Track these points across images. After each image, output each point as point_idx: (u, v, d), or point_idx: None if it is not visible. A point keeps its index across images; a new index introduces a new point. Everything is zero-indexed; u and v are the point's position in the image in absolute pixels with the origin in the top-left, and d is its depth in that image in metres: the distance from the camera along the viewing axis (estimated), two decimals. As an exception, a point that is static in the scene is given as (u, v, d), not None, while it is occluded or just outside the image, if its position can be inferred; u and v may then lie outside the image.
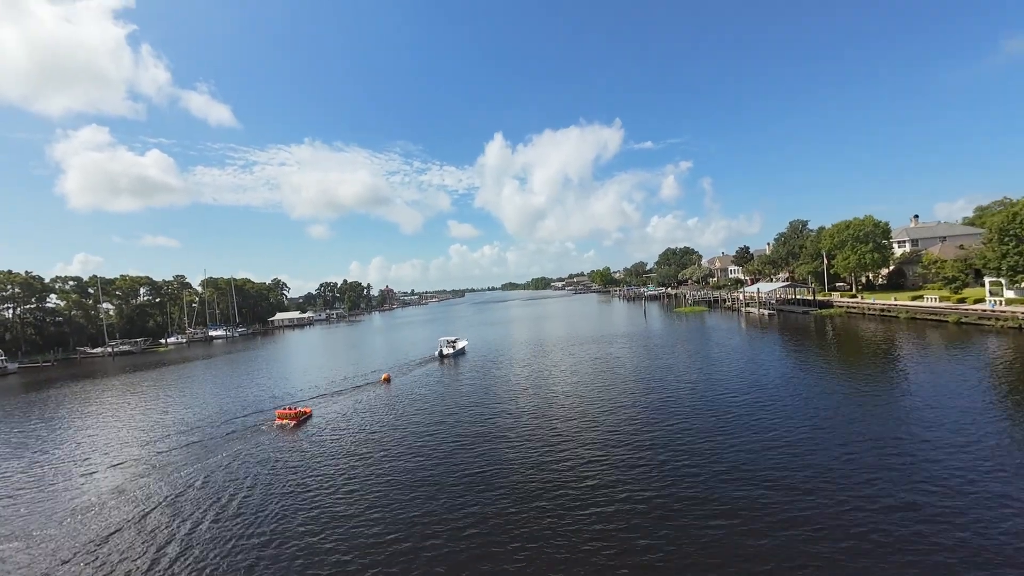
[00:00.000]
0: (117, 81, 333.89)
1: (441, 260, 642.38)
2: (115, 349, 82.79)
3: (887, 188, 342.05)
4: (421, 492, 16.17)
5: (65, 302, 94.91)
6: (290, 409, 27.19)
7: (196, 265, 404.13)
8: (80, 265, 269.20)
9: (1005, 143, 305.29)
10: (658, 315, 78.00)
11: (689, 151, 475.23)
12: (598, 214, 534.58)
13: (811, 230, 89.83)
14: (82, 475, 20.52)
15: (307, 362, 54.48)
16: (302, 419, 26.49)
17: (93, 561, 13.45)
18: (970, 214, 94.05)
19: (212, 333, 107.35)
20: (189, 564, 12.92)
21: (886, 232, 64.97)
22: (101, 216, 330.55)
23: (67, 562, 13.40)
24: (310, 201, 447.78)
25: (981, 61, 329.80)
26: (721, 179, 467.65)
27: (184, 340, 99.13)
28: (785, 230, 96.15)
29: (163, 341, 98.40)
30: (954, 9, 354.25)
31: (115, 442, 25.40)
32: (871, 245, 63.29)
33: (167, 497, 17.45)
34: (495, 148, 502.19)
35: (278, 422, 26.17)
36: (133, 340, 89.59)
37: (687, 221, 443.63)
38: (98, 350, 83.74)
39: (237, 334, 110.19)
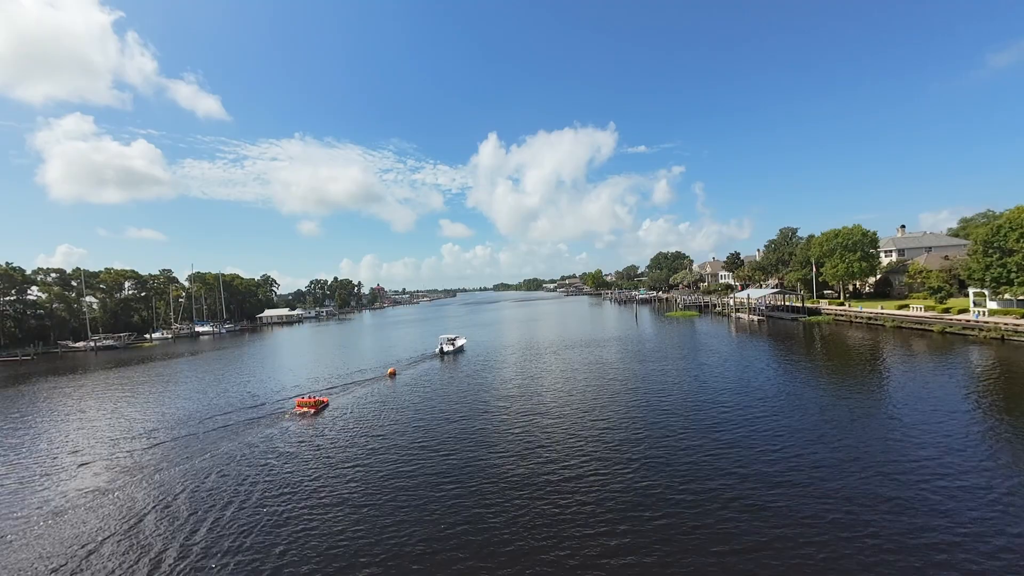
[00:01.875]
0: (102, 69, 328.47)
1: (433, 259, 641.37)
2: (97, 344, 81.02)
3: (873, 197, 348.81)
4: (429, 472, 18.05)
5: (47, 295, 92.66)
6: (309, 398, 28.95)
7: (184, 259, 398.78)
8: (63, 257, 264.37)
9: (989, 155, 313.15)
10: (649, 319, 78.42)
11: (682, 156, 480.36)
12: (591, 216, 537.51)
13: (800, 238, 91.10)
14: (63, 470, 19.94)
15: (299, 362, 53.75)
16: (320, 407, 28.19)
17: (91, 558, 13.14)
18: (954, 224, 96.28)
19: (198, 329, 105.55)
20: (229, 540, 13.83)
21: (874, 241, 66.06)
22: (85, 207, 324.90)
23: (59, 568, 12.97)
24: (301, 197, 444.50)
25: (967, 74, 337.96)
26: (713, 184, 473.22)
27: (169, 336, 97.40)
28: (775, 237, 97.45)
29: (148, 336, 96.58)
30: (942, 22, 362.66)
31: (127, 434, 24.83)
32: (859, 254, 64.30)
33: (196, 482, 18.28)
34: (489, 148, 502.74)
35: (297, 410, 27.77)
36: (116, 335, 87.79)
37: (679, 225, 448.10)
38: (80, 344, 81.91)
39: (224, 331, 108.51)
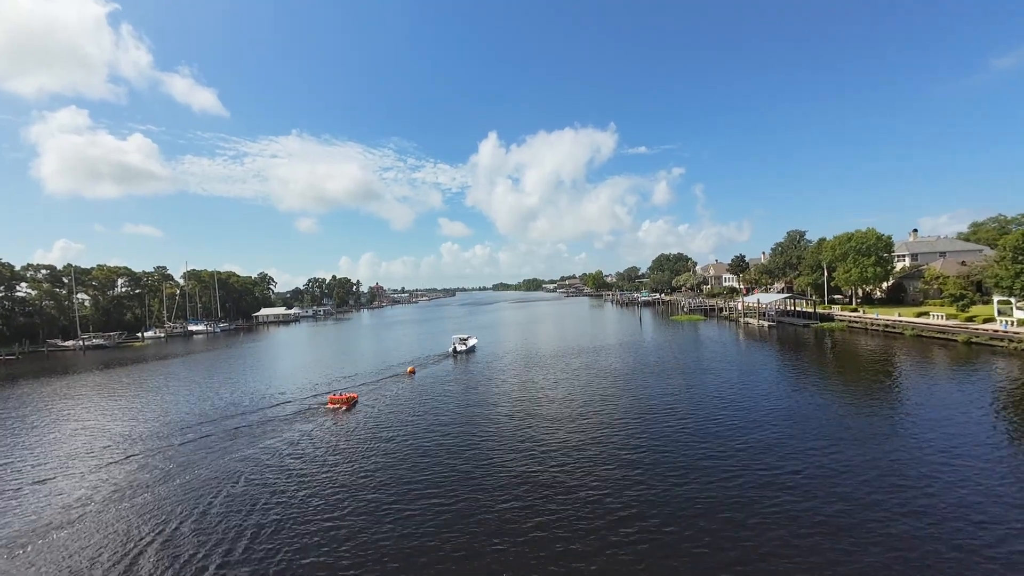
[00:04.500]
0: (97, 62, 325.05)
1: (432, 258, 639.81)
2: (86, 343, 78.63)
3: (873, 201, 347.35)
4: (456, 462, 19.38)
5: (36, 292, 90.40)
6: (341, 395, 30.23)
7: (182, 256, 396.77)
8: (60, 252, 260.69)
9: (989, 159, 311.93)
10: (654, 324, 76.35)
11: (682, 157, 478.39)
12: (590, 217, 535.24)
13: (809, 241, 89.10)
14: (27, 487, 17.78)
15: (299, 363, 51.55)
16: (351, 403, 29.39)
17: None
18: (960, 228, 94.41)
19: (192, 328, 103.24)
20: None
21: (888, 246, 64.05)
22: (81, 202, 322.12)
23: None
24: (299, 194, 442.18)
25: (969, 77, 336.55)
26: (713, 186, 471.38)
27: (162, 335, 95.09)
28: (782, 240, 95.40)
29: (140, 335, 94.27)
30: (945, 25, 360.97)
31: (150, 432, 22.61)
32: (873, 259, 62.28)
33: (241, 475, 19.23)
34: (489, 147, 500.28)
35: (329, 406, 28.96)
36: (107, 333, 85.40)
37: (678, 227, 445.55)
38: (69, 343, 79.67)
39: (219, 330, 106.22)
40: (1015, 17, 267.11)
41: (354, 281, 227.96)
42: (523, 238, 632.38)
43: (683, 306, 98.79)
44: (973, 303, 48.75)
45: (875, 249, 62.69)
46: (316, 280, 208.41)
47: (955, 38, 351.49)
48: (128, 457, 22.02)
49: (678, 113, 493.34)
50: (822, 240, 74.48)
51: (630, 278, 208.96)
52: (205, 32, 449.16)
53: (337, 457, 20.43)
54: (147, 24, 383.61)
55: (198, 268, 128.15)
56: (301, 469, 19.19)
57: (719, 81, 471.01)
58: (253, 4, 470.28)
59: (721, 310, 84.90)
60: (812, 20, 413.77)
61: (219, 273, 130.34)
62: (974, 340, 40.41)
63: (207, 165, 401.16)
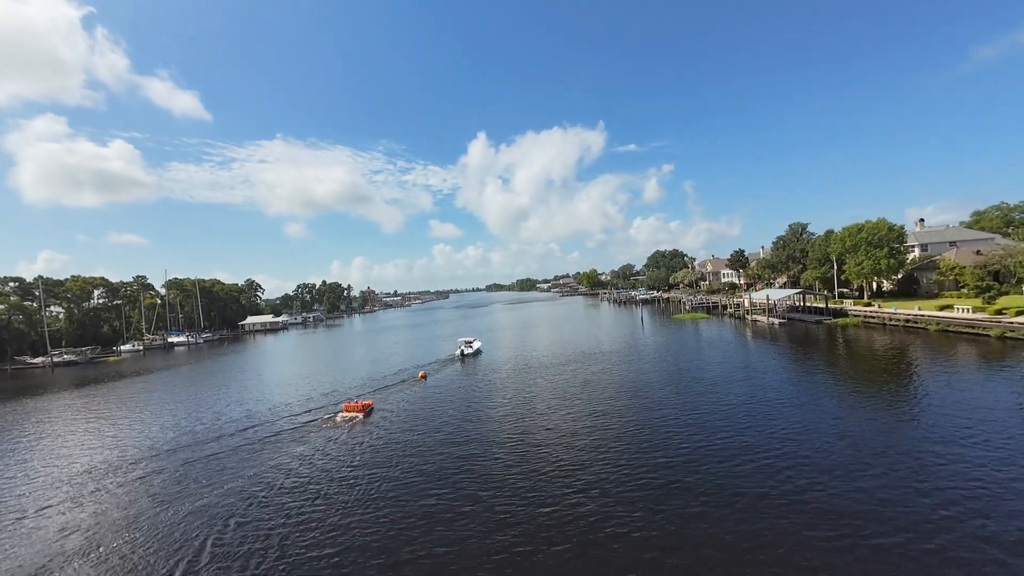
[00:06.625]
0: (73, 67, 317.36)
1: (425, 260, 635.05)
2: (55, 360, 73.54)
3: (861, 193, 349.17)
4: (488, 470, 18.81)
5: (4, 306, 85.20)
6: (356, 403, 29.34)
7: (168, 264, 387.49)
8: (45, 263, 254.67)
9: (975, 149, 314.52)
10: (657, 323, 73.19)
11: (672, 154, 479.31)
12: (582, 215, 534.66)
13: (811, 233, 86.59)
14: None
15: (288, 376, 47.57)
16: (368, 411, 28.73)
17: None
18: (943, 219, 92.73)
19: (172, 340, 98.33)
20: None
21: (901, 236, 61.46)
22: (62, 212, 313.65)
23: None
24: (287, 198, 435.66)
25: (951, 69, 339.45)
26: (703, 182, 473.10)
27: (140, 348, 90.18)
28: (785, 232, 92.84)
29: (116, 349, 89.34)
30: (925, 17, 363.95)
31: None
32: (886, 250, 59.65)
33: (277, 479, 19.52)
34: (478, 147, 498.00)
35: (345, 414, 28.09)
36: (78, 349, 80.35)
37: (669, 223, 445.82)
38: (38, 360, 74.75)
39: (201, 340, 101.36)
40: (995, 8, 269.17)
41: (345, 285, 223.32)
42: (515, 238, 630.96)
43: (685, 304, 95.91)
44: (1001, 294, 46.11)
45: (887, 240, 60.07)
46: (306, 285, 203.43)
47: (937, 31, 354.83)
48: (92, 492, 19.40)
49: (667, 110, 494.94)
50: (830, 232, 71.80)
51: (625, 276, 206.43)
52: (182, 33, 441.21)
53: (363, 469, 19.72)
54: (122, 26, 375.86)
55: (186, 276, 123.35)
56: (322, 485, 18.40)
57: (707, 78, 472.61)
58: (230, 4, 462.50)
59: (726, 307, 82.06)
60: (797, 18, 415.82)
61: (202, 281, 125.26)
62: (1009, 334, 37.58)
63: (193, 171, 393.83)
